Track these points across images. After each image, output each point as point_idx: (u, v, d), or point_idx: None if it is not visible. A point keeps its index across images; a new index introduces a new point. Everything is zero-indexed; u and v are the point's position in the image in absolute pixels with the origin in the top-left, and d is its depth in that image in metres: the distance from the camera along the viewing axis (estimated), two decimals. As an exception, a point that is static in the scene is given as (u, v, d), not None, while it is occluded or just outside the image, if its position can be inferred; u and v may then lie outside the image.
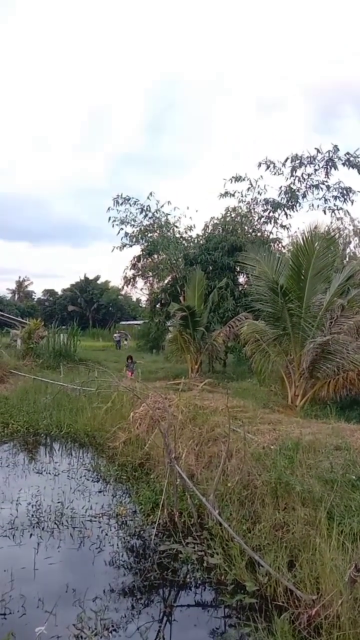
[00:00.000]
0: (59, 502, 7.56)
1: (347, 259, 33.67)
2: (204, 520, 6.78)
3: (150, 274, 26.59)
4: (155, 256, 24.81)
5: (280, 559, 5.21)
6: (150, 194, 24.46)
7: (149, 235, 24.32)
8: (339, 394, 12.13)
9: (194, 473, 8.27)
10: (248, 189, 23.65)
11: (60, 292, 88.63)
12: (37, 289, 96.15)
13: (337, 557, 4.67)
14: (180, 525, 6.74)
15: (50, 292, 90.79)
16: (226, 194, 23.92)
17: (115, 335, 47.72)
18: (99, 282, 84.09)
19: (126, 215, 24.53)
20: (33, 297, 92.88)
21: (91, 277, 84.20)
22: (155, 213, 24.53)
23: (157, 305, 25.84)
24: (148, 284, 28.04)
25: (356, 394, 12.63)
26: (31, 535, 6.49)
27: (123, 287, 29.53)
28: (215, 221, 24.67)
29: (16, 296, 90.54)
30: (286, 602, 4.71)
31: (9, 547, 6.12)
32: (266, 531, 5.86)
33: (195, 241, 24.60)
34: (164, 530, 6.69)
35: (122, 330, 49.64)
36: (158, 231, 24.38)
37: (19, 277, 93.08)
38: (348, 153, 21.73)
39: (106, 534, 6.60)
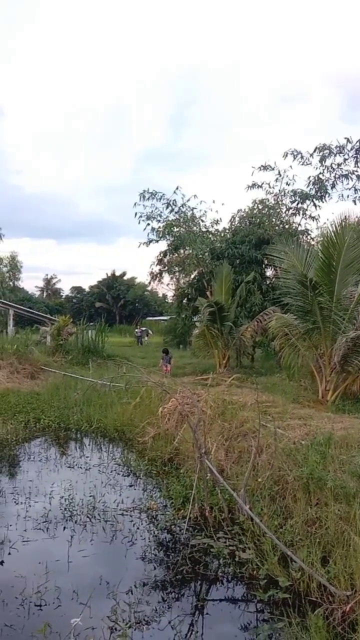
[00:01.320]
0: (90, 496, 7.62)
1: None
2: (235, 515, 6.77)
3: (177, 269, 26.56)
4: (182, 251, 24.76)
5: (313, 555, 5.17)
6: (177, 188, 24.44)
7: (175, 230, 24.30)
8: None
9: (223, 468, 8.26)
10: (276, 179, 23.43)
11: (87, 289, 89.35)
12: (65, 287, 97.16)
13: (372, 553, 4.62)
14: (211, 520, 6.73)
15: (77, 289, 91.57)
16: (253, 185, 23.74)
17: (136, 331, 47.62)
18: (125, 278, 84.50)
19: (152, 211, 24.57)
20: (61, 294, 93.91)
21: (118, 273, 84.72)
22: (181, 207, 24.52)
23: (184, 301, 25.81)
24: (174, 279, 28.07)
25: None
26: (64, 528, 6.56)
27: (149, 283, 29.60)
28: (242, 214, 24.49)
29: (44, 294, 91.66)
30: (320, 598, 4.67)
31: (43, 540, 6.21)
32: (298, 527, 5.83)
33: (222, 235, 24.48)
34: (194, 524, 6.69)
35: (143, 327, 49.62)
36: (184, 226, 24.35)
37: (47, 275, 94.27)
38: None
39: (137, 528, 6.64)
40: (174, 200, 24.46)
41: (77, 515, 6.93)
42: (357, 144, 21.63)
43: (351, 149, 21.81)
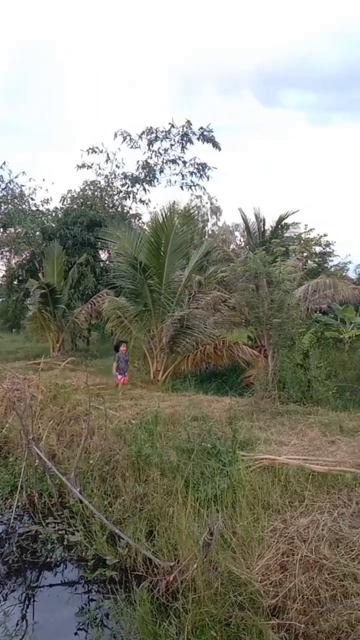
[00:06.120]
0: None
1: (206, 237, 34.86)
2: (66, 499, 6.75)
3: (6, 248, 25.27)
4: (12, 230, 23.58)
5: (139, 530, 5.34)
6: (4, 163, 23.12)
7: (3, 207, 23.04)
8: (199, 367, 12.61)
9: (55, 453, 8.17)
10: (106, 161, 23.34)
11: None
12: None
13: (192, 523, 4.88)
14: (41, 506, 6.66)
15: None
16: (83, 165, 23.37)
17: None
18: None
19: (-24, 186, 23.01)
20: None
21: None
22: (8, 184, 23.29)
23: (15, 282, 24.70)
24: (5, 260, 26.62)
25: (214, 367, 13.25)
26: None
27: (-25, 262, 27.59)
28: (73, 194, 24.04)
29: None
30: (145, 572, 4.86)
31: None
32: (127, 504, 5.97)
33: (53, 215, 23.81)
34: (23, 512, 6.56)
35: None
36: (12, 203, 23.18)
37: None
38: (202, 127, 22.18)
39: None
40: (0, 176, 23.15)
41: None
42: (181, 129, 22.33)
43: (177, 134, 22.46)
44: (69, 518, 6.22)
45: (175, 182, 23.38)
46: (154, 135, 22.41)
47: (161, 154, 22.81)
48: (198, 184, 23.35)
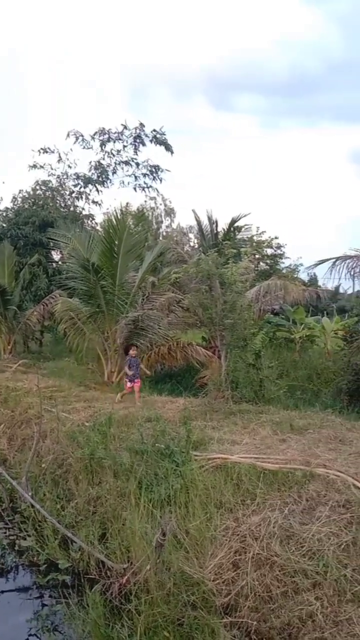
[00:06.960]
0: None
1: (160, 238, 34.89)
2: (17, 504, 6.64)
3: None
4: None
5: (92, 533, 5.30)
6: None
7: None
8: (153, 368, 12.59)
9: (6, 457, 8.03)
10: (58, 161, 23.07)
11: None
12: None
13: (145, 524, 4.88)
14: (-9, 512, 6.51)
15: None
16: (35, 166, 23.05)
17: None
18: None
19: None
20: None
21: None
22: None
23: (-36, 283, 24.05)
24: None
25: (169, 368, 13.27)
26: None
27: None
28: (25, 194, 23.64)
29: None
30: (98, 575, 4.82)
31: None
32: (79, 507, 5.92)
33: (4, 215, 23.33)
34: (-28, 520, 6.39)
35: None
36: None
37: None
38: (154, 130, 22.23)
39: None
40: None
41: None
42: (134, 131, 22.30)
43: (129, 136, 22.41)
44: (20, 523, 6.13)
45: (128, 183, 23.33)
46: (106, 136, 22.31)
47: (114, 155, 22.72)
48: (151, 186, 23.37)
